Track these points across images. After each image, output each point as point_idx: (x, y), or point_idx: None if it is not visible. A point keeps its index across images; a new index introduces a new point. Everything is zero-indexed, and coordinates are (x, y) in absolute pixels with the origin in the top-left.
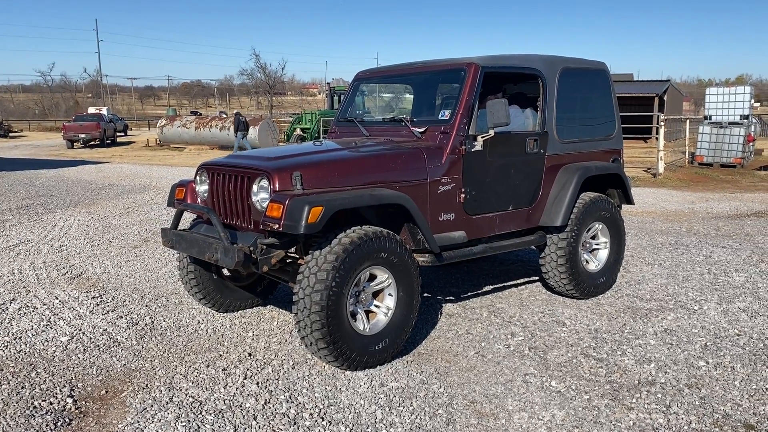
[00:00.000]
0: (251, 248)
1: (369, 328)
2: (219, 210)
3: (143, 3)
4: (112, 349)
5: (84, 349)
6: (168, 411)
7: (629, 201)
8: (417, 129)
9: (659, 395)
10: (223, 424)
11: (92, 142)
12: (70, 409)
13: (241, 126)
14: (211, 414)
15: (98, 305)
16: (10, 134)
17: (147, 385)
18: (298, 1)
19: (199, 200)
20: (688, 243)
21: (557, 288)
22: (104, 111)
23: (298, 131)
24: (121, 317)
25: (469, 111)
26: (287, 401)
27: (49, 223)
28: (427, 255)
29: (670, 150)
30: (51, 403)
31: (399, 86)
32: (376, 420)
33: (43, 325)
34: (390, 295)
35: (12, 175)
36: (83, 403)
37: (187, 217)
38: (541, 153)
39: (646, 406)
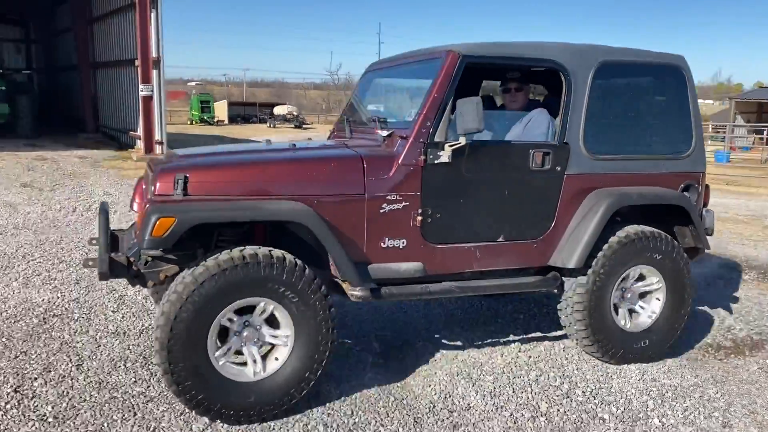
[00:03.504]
0: (132, 258)
1: None
2: None
3: (423, 6)
4: None
5: None
6: (451, 368)
7: (704, 245)
8: (383, 132)
9: None
10: (502, 384)
11: None
12: None
13: None
14: (489, 375)
15: None
16: (304, 126)
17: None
18: None
19: None
20: None
21: (577, 345)
22: None
23: None
24: None
25: (437, 112)
26: (559, 378)
27: None
28: (357, 288)
29: None
30: None
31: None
32: (648, 408)
33: None
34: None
35: None
36: None
37: None
38: (557, 171)
39: None
